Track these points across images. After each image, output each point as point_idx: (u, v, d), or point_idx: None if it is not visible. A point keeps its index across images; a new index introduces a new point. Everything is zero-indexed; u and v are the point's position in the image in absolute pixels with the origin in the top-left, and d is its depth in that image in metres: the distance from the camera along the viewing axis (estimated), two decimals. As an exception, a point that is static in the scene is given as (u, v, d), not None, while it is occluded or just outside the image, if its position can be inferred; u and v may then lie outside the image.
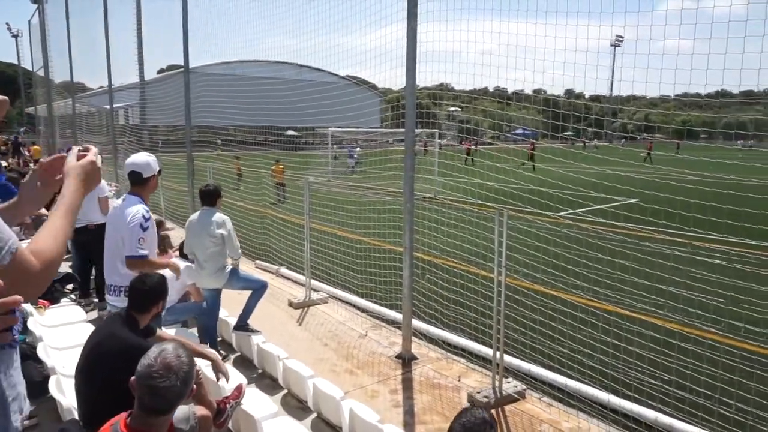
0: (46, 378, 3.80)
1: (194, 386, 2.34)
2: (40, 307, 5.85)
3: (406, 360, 5.59)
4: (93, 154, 1.78)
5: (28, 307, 5.30)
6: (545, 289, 5.86)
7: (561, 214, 8.15)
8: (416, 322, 6.10)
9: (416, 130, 5.45)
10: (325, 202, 10.71)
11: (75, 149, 1.80)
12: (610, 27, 4.41)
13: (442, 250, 7.10)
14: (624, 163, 5.35)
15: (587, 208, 9.55)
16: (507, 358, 5.04)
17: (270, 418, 3.65)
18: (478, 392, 4.76)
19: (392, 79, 6.18)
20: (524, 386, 4.91)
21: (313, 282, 7.73)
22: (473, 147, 20.09)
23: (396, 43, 5.67)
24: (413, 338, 5.81)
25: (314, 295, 7.50)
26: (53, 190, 1.81)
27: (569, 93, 7.77)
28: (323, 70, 11.95)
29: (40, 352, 4.23)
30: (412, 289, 5.66)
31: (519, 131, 21.80)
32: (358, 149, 28.39)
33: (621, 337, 4.73)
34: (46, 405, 3.99)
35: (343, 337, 6.26)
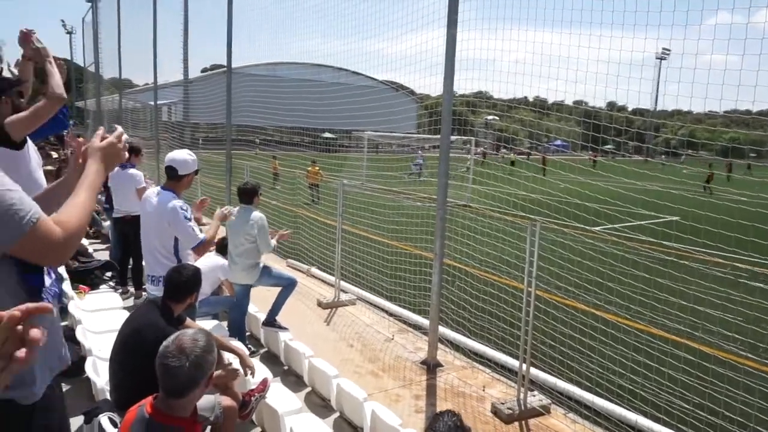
0: (83, 359, 3.95)
1: (211, 374, 2.36)
2: (81, 292, 6.09)
3: (430, 366, 5.58)
4: (115, 135, 1.93)
5: (69, 291, 5.52)
6: (576, 303, 5.75)
7: (599, 228, 8.01)
8: (443, 329, 6.08)
9: (451, 137, 5.43)
10: (359, 205, 10.77)
11: (100, 131, 1.94)
12: (655, 40, 4.34)
13: (473, 258, 7.05)
14: (676, 181, 5.20)
15: (626, 224, 9.34)
16: (533, 370, 4.97)
17: (293, 413, 3.69)
18: (503, 403, 4.70)
19: (431, 85, 6.21)
20: (549, 400, 4.84)
21: (343, 283, 7.78)
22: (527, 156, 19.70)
23: (435, 50, 5.69)
24: (439, 345, 5.79)
25: (343, 296, 7.55)
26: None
27: (611, 105, 7.63)
28: (361, 74, 12.02)
29: (79, 334, 4.41)
30: (441, 296, 5.65)
31: (558, 142, 21.48)
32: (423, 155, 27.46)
33: (653, 357, 4.61)
34: (82, 384, 4.16)
35: (369, 339, 6.28)
